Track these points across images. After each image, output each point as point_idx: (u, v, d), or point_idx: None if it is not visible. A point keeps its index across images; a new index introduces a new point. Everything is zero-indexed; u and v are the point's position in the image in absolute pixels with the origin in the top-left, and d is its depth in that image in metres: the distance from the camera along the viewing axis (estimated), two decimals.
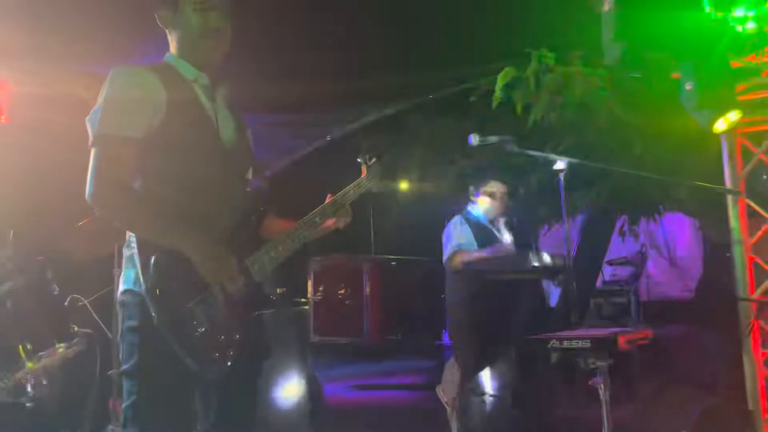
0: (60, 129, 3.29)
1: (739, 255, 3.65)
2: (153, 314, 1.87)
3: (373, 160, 2.53)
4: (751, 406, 3.42)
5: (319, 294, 11.27)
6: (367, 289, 10.97)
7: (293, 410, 5.00)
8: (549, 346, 2.62)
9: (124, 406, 1.97)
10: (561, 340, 2.61)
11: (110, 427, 3.46)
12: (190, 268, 1.93)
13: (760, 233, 3.66)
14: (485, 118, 4.82)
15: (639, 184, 4.93)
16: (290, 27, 3.86)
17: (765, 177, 5.32)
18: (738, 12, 3.51)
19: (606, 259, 7.59)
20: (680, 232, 9.01)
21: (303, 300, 12.17)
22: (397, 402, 7.84)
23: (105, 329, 3.71)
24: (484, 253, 3.84)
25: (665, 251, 9.10)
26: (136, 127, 1.96)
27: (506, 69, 4.12)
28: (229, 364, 1.99)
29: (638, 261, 8.37)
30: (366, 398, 8.12)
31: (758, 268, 3.69)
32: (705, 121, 3.52)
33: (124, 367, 1.98)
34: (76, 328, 3.54)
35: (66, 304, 3.68)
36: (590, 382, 2.67)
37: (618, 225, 6.84)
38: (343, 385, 8.85)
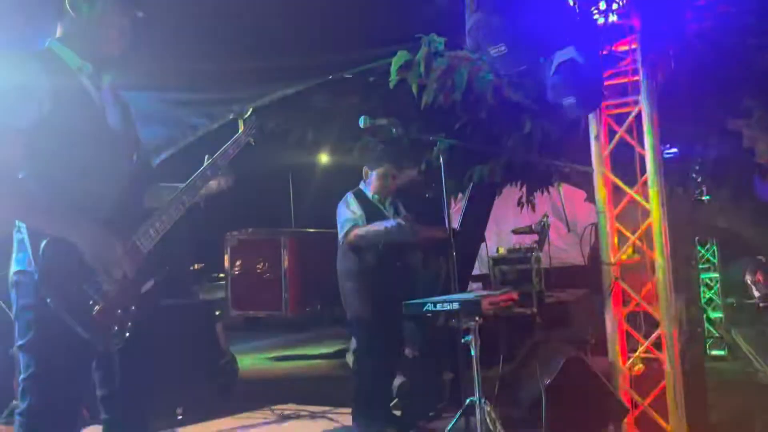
0: None
1: (604, 224, 4.07)
2: (47, 299, 1.94)
3: (249, 112, 2.58)
4: (611, 358, 3.87)
5: (236, 269, 11.38)
6: (285, 262, 11.16)
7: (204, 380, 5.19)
8: (424, 309, 2.92)
9: (21, 378, 2.06)
10: (435, 303, 2.90)
11: (14, 402, 3.54)
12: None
13: (621, 205, 4.09)
14: (386, 98, 5.04)
15: (528, 160, 5.32)
16: (189, 8, 3.92)
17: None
18: (600, 4, 3.87)
19: (511, 229, 8.01)
20: (577, 202, 9.58)
21: (221, 275, 12.18)
22: (313, 370, 8.10)
23: (4, 307, 3.74)
24: (376, 227, 4.07)
25: (564, 220, 9.67)
26: (21, 119, 1.99)
27: (400, 52, 4.34)
28: (127, 335, 2.12)
29: (540, 229, 8.88)
30: (285, 369, 8.34)
31: (622, 236, 4.13)
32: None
33: (20, 342, 2.07)
34: None
35: None
36: (462, 341, 2.99)
37: (516, 196, 7.27)
38: (263, 358, 9.05)
